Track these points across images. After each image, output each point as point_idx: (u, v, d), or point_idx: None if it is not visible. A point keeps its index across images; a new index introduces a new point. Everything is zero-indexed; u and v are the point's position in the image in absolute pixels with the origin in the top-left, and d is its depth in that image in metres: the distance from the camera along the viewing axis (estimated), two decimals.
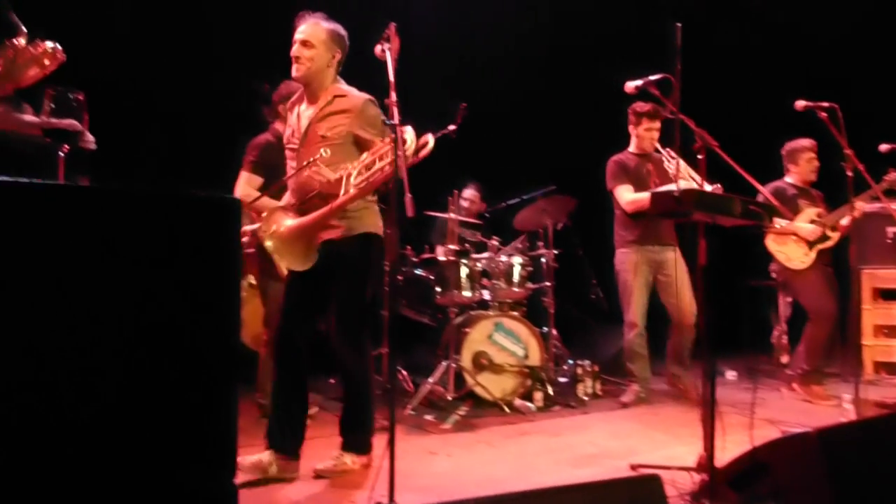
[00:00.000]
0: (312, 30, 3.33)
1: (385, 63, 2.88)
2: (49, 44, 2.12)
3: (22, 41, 2.13)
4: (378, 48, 2.92)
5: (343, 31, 3.42)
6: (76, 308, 1.35)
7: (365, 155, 3.09)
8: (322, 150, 3.11)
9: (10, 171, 1.41)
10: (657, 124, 5.15)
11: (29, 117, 1.66)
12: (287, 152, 3.48)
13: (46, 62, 2.12)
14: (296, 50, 3.31)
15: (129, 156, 4.97)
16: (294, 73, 3.35)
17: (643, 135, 5.20)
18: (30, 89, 2.10)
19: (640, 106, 5.15)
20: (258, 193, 4.11)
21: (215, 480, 1.58)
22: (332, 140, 3.28)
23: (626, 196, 5.06)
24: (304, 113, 3.43)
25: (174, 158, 5.46)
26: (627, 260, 5.13)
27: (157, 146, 5.40)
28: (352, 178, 2.98)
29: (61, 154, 1.61)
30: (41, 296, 1.31)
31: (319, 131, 3.31)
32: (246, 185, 4.18)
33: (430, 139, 3.15)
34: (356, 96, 3.37)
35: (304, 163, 3.20)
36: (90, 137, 1.71)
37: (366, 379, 3.47)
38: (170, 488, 1.48)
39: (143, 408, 1.43)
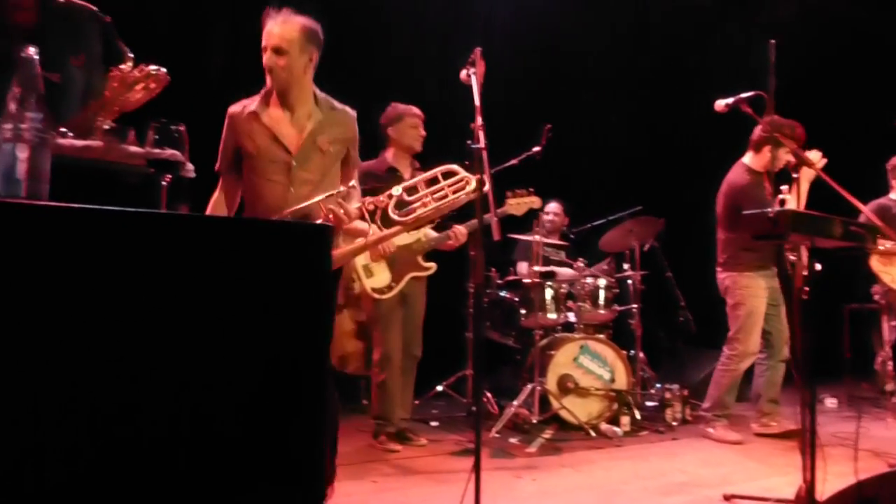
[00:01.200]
0: (282, 31, 2.85)
1: (471, 87, 2.91)
2: (153, 67, 2.21)
3: (129, 66, 2.24)
4: (463, 73, 2.95)
5: (316, 25, 2.94)
6: (178, 332, 1.40)
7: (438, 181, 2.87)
8: (342, 187, 2.78)
9: (116, 201, 1.48)
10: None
11: (134, 148, 1.74)
12: (258, 163, 2.92)
13: (152, 85, 2.22)
14: (267, 59, 2.86)
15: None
16: (269, 84, 2.90)
17: (770, 154, 4.70)
18: (134, 116, 2.21)
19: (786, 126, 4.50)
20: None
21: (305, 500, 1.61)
22: (333, 157, 2.96)
23: None
24: (285, 120, 2.94)
25: None
26: (755, 285, 4.72)
27: None
28: (390, 209, 2.75)
29: (164, 183, 1.68)
30: (147, 318, 1.37)
31: (320, 145, 2.94)
32: None
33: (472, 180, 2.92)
34: (349, 110, 3.05)
35: (321, 194, 2.79)
36: (190, 167, 1.78)
37: None
38: None
39: (237, 430, 1.47)
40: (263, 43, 2.87)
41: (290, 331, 1.46)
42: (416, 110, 4.42)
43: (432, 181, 2.67)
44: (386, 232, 2.84)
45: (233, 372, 1.41)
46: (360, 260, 4.19)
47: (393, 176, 4.26)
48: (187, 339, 1.38)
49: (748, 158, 4.75)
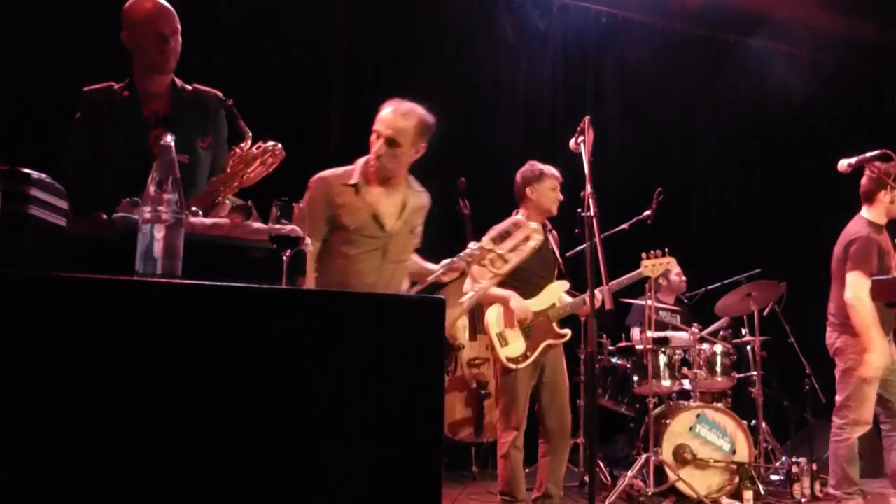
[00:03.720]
0: (400, 124, 2.95)
1: (580, 155, 2.92)
2: (270, 143, 2.34)
3: (248, 143, 2.38)
4: (573, 142, 2.97)
5: (432, 119, 3.03)
6: (295, 407, 1.45)
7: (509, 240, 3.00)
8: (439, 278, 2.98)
9: (242, 276, 1.56)
10: None
11: (258, 225, 1.83)
12: (353, 237, 2.99)
13: (270, 160, 2.35)
14: (379, 148, 2.94)
15: None
16: (373, 164, 2.99)
17: (885, 200, 4.27)
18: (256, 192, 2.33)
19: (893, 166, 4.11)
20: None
21: None
22: (417, 237, 3.12)
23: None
24: (384, 199, 3.03)
25: None
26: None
27: None
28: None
29: (285, 258, 1.76)
30: (269, 391, 1.43)
31: (412, 227, 3.09)
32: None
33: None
34: (424, 192, 3.17)
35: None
36: (309, 241, 1.86)
37: None
38: None
39: (353, 498, 1.49)
40: (377, 127, 2.96)
41: (409, 401, 1.49)
42: (555, 172, 4.19)
43: (504, 235, 2.77)
44: (483, 285, 2.93)
45: (347, 443, 1.44)
46: (495, 328, 4.13)
47: None
48: (311, 411, 1.44)
49: (865, 211, 4.44)
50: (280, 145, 2.34)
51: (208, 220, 1.83)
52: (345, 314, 1.50)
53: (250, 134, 2.41)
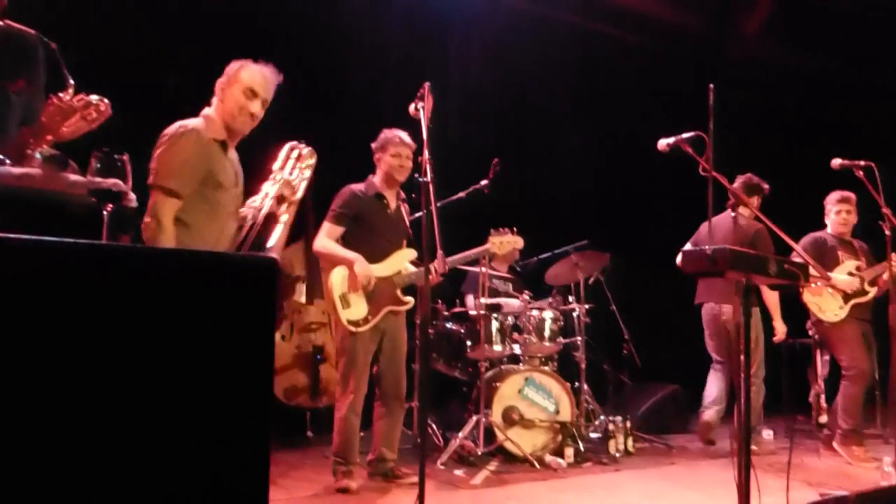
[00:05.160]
0: (272, 85, 3.14)
1: (419, 121, 2.95)
2: (94, 97, 2.15)
3: (69, 94, 2.18)
4: (412, 107, 2.99)
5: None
6: (112, 366, 1.38)
7: None
8: None
9: (57, 231, 1.46)
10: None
11: (75, 177, 1.72)
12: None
13: (93, 115, 2.16)
14: (257, 109, 3.09)
15: None
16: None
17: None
18: (76, 147, 2.16)
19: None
20: (336, 245, 4.11)
21: None
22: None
23: None
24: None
25: None
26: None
27: None
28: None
29: (105, 213, 1.67)
30: (82, 353, 1.35)
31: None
32: (325, 237, 4.14)
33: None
34: None
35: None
36: (132, 196, 1.77)
37: None
38: None
39: (174, 466, 1.45)
40: (258, 91, 3.03)
41: (230, 362, 1.46)
42: (402, 138, 4.20)
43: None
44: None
45: (168, 403, 1.40)
46: (338, 289, 4.10)
47: (381, 203, 4.25)
48: (129, 370, 1.37)
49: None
50: (107, 101, 2.16)
51: (16, 170, 1.69)
52: (168, 273, 1.44)
53: (72, 83, 2.22)
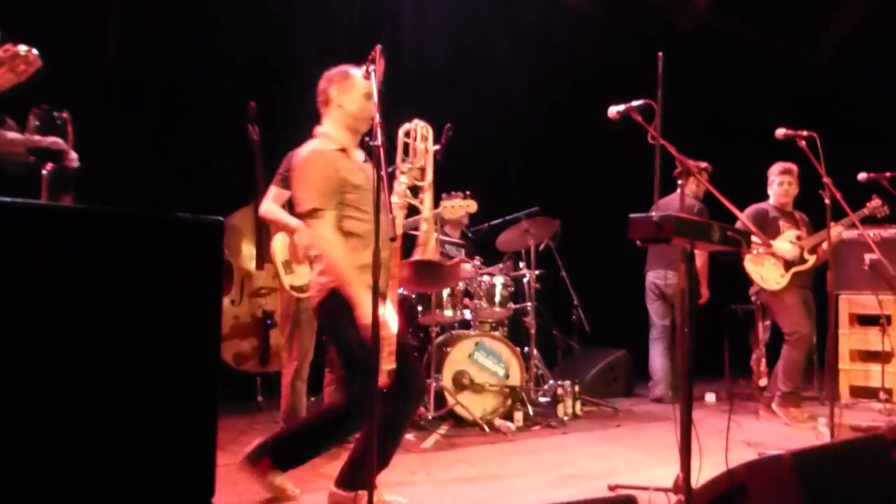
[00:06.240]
0: None
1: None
2: (23, 48, 2.00)
3: None
4: (363, 70, 2.94)
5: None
6: (53, 327, 1.36)
7: None
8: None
9: None
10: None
11: (12, 134, 1.66)
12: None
13: (21, 68, 2.03)
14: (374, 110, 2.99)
15: (120, 173, 4.99)
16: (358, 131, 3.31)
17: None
18: (13, 105, 2.08)
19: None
20: (281, 210, 4.03)
21: (195, 500, 1.58)
22: None
23: None
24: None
25: (167, 177, 5.44)
26: None
27: (148, 164, 5.38)
28: None
29: (44, 172, 1.62)
30: (18, 314, 1.32)
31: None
32: (271, 201, 4.06)
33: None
34: None
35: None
36: (73, 155, 1.72)
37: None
38: None
39: (121, 428, 1.44)
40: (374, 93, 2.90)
41: (175, 324, 1.44)
42: None
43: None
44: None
45: (112, 364, 1.38)
46: (281, 255, 4.07)
47: None
48: (68, 329, 1.35)
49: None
50: (36, 51, 2.03)
51: None
52: (109, 233, 1.41)
53: None
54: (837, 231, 5.03)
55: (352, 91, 3.13)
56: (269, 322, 5.26)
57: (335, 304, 2.98)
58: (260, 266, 5.26)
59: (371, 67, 2.90)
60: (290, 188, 4.08)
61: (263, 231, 4.98)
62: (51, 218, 1.39)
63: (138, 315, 1.43)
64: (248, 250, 5.29)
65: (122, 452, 1.42)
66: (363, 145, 3.20)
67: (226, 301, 5.19)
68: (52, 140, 1.61)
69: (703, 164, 5.80)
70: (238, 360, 5.20)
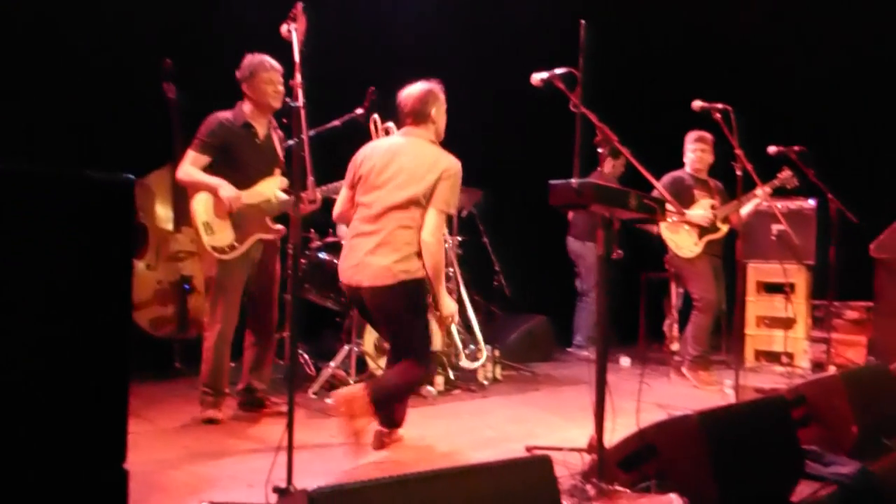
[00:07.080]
0: None
1: (291, 43, 2.84)
2: None
3: None
4: (284, 28, 2.87)
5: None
6: None
7: None
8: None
9: None
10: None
11: None
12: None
13: None
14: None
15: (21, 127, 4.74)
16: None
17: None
18: None
19: None
20: (200, 173, 3.96)
21: (105, 466, 1.55)
22: None
23: None
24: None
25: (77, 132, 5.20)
26: None
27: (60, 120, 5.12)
28: None
29: None
30: None
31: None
32: (189, 165, 3.97)
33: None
34: None
35: None
36: None
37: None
38: (56, 475, 1.44)
39: (29, 395, 1.39)
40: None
41: (84, 286, 1.39)
42: (271, 64, 4.05)
43: None
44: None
45: (20, 329, 1.33)
46: (202, 216, 3.95)
47: (248, 132, 4.09)
48: None
49: None
50: None
51: None
52: (10, 191, 1.34)
53: None
54: (763, 193, 5.28)
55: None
56: (186, 287, 5.15)
57: (420, 293, 3.56)
58: (177, 229, 5.13)
59: (292, 25, 2.84)
60: (208, 153, 3.98)
61: (180, 193, 4.84)
62: None
63: (41, 277, 1.37)
64: (164, 212, 5.15)
65: (24, 418, 1.37)
66: (284, 106, 3.13)
67: (141, 265, 5.04)
68: None
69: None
70: (155, 325, 5.08)
